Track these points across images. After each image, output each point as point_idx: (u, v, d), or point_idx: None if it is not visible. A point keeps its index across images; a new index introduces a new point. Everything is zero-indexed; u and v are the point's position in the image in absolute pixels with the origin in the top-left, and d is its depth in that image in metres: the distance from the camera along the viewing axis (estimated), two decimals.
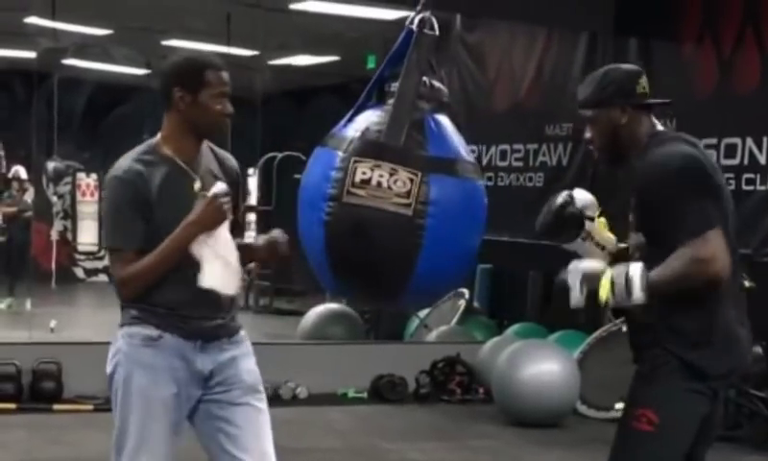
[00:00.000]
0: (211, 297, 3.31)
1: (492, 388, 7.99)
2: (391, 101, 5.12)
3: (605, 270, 3.17)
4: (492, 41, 10.88)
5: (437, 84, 5.28)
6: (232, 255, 3.32)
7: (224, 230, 3.31)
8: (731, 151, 8.38)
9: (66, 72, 12.66)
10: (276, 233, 3.51)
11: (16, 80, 12.84)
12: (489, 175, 10.71)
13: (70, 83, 12.35)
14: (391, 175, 4.92)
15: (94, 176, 14.67)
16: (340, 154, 5.01)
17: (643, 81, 3.40)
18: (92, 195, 14.69)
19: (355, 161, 4.94)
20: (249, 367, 3.48)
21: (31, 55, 11.76)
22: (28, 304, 11.56)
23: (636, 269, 3.09)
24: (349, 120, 5.19)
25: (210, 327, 3.40)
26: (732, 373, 3.32)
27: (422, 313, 9.97)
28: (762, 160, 8.20)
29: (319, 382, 8.29)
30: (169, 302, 3.33)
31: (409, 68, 5.07)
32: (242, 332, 3.54)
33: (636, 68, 3.48)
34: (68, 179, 14.25)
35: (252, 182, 15.43)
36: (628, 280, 3.08)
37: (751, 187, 8.23)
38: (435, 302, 9.14)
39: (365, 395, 8.42)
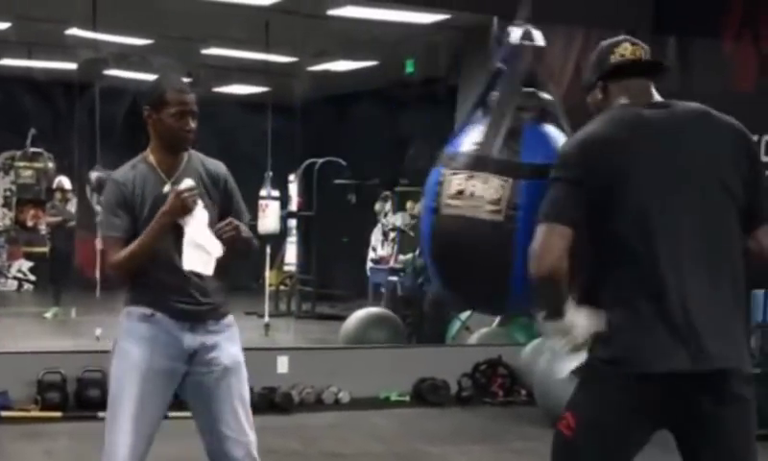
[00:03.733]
0: (196, 282, 3.86)
1: (534, 390, 7.96)
2: (489, 114, 5.37)
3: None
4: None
5: (541, 93, 5.44)
6: (210, 243, 3.83)
7: (201, 223, 3.85)
8: None
9: (108, 82, 12.76)
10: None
11: (58, 91, 12.97)
12: None
13: (111, 93, 12.44)
14: (483, 183, 5.09)
15: None
16: (442, 169, 5.38)
17: (621, 48, 3.14)
18: None
19: (452, 174, 5.30)
20: (230, 351, 3.95)
21: (72, 66, 11.89)
22: (73, 313, 11.71)
23: None
24: (456, 136, 5.50)
25: (197, 311, 3.89)
26: (642, 360, 2.92)
27: (464, 315, 9.96)
28: None
29: (361, 386, 8.31)
30: (160, 285, 3.88)
31: (505, 80, 5.31)
32: (229, 318, 4.00)
33: (619, 38, 3.21)
34: None
35: (293, 188, 15.49)
36: None
37: None
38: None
39: (407, 398, 8.42)
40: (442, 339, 10.16)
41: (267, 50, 11.84)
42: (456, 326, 10.07)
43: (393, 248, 13.10)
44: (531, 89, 5.54)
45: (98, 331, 9.73)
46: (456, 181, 5.28)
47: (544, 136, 5.41)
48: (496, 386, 8.59)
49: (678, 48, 9.09)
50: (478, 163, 5.26)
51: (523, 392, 8.50)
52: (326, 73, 13.76)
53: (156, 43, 12.87)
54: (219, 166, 4.10)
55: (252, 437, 3.99)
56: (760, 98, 8.39)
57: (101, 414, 7.57)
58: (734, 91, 8.31)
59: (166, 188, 3.89)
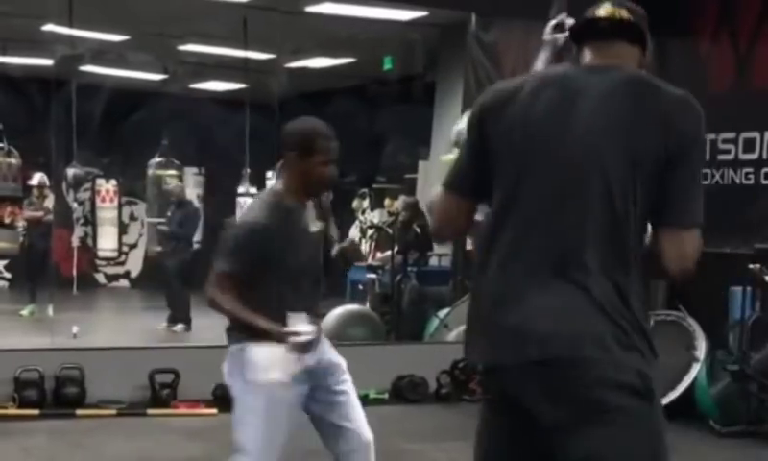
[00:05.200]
0: None
1: None
2: None
3: None
4: (507, 39, 10.86)
5: None
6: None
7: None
8: (749, 145, 8.35)
9: (84, 78, 12.71)
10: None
11: (34, 87, 12.89)
12: None
13: (88, 89, 12.40)
14: None
15: (113, 181, 14.71)
16: None
17: (599, 9, 2.78)
18: (111, 201, 14.71)
19: None
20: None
21: (48, 62, 11.82)
22: (50, 311, 11.64)
23: None
24: None
25: None
26: (488, 368, 2.70)
27: (442, 313, 9.97)
28: None
29: None
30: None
31: None
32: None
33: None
34: (88, 185, 14.28)
35: (270, 185, 15.42)
36: None
37: None
38: None
39: (386, 396, 8.42)
40: (420, 337, 10.17)
41: (245, 46, 11.81)
42: (434, 323, 10.08)
43: (371, 245, 13.12)
44: None
45: (75, 329, 9.70)
46: None
47: None
48: (475, 383, 8.59)
49: (653, 47, 9.11)
50: None
51: None
52: (304, 70, 13.76)
53: (133, 40, 12.83)
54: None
55: None
56: (738, 97, 8.43)
57: (78, 412, 7.61)
58: (710, 91, 8.34)
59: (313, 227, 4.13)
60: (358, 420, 4.26)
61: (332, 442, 4.26)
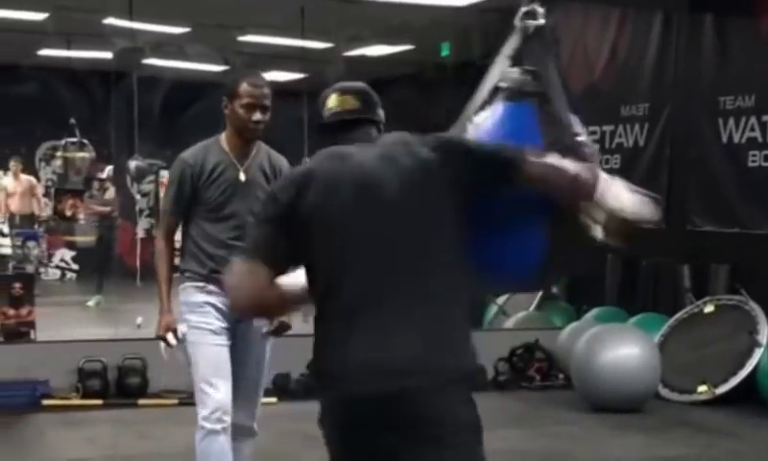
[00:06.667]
0: None
1: (572, 374, 7.95)
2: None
3: None
4: (566, 23, 10.78)
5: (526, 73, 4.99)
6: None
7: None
8: None
9: (145, 71, 12.85)
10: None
11: (96, 81, 13.06)
12: None
13: (149, 82, 12.53)
14: None
15: None
16: None
17: (330, 102, 2.95)
18: None
19: None
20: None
21: (108, 55, 11.97)
22: (115, 301, 11.83)
23: None
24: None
25: None
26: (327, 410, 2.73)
27: (501, 299, 9.95)
28: None
29: None
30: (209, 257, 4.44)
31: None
32: None
33: (331, 88, 3.00)
34: (151, 177, 14.46)
35: None
36: None
37: None
38: None
39: None
40: (479, 324, 10.15)
41: (302, 36, 11.85)
42: (493, 310, 10.06)
43: None
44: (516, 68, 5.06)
45: (139, 320, 9.83)
46: None
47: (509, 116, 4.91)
48: (533, 370, 8.58)
49: (714, 28, 8.99)
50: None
51: (561, 376, 8.48)
52: (362, 58, 13.76)
53: (193, 32, 12.93)
54: (282, 161, 4.57)
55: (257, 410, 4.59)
56: None
57: (141, 401, 7.73)
58: None
59: (242, 177, 4.41)
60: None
61: None
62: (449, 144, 2.84)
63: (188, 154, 4.48)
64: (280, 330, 4.50)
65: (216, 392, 4.31)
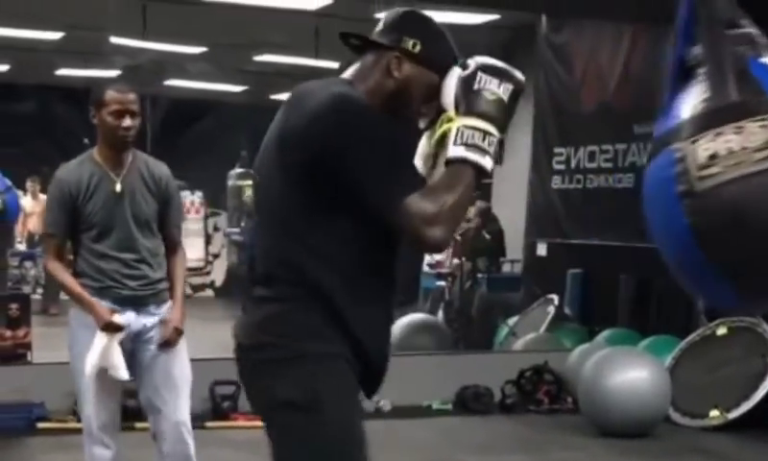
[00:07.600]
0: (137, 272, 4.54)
1: (579, 398, 7.79)
2: (701, 70, 4.23)
3: None
4: (579, 41, 10.67)
5: (746, 27, 4.61)
6: (114, 368, 4.58)
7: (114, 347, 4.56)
8: None
9: (160, 91, 12.87)
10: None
11: None
12: (577, 177, 10.50)
13: (165, 102, 12.55)
14: (737, 133, 4.08)
15: (199, 193, 14.88)
16: (672, 148, 4.20)
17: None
18: (197, 212, 14.89)
19: (692, 143, 4.12)
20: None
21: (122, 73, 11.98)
22: None
23: None
24: (664, 114, 4.48)
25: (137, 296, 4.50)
26: None
27: (511, 321, 9.81)
28: None
29: (403, 395, 8.15)
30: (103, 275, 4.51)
31: (704, 26, 4.42)
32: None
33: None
34: None
35: None
36: None
37: None
38: None
39: (449, 406, 8.29)
40: (490, 345, 10.02)
41: (316, 55, 11.83)
42: (504, 331, 9.92)
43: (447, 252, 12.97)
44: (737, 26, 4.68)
45: None
46: (703, 147, 4.09)
47: None
48: (542, 393, 8.40)
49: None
50: (720, 117, 4.11)
51: (569, 399, 8.31)
52: None
53: (209, 51, 12.95)
54: (161, 168, 4.53)
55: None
56: None
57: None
58: None
59: (118, 187, 4.38)
60: None
61: None
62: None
63: (64, 172, 4.46)
64: (172, 341, 4.63)
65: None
